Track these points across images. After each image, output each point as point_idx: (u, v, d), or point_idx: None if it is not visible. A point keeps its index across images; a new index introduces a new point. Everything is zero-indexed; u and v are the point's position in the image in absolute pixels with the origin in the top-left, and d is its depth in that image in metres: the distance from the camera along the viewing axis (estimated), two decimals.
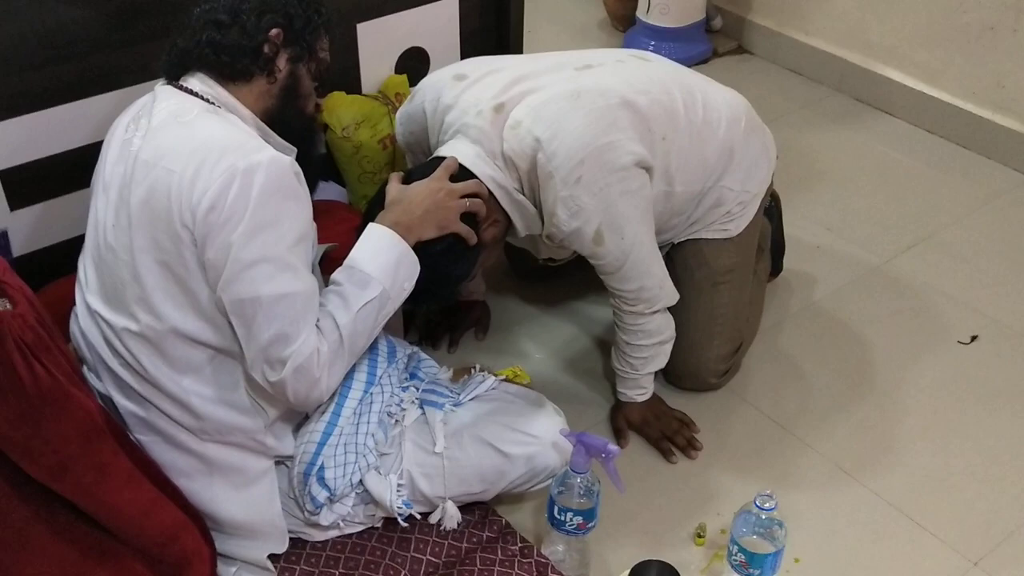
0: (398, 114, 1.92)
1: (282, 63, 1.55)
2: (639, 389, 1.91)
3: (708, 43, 3.26)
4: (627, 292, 1.75)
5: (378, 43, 2.17)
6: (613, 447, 1.49)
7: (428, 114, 1.79)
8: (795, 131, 2.87)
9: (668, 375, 2.00)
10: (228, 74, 1.53)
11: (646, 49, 3.17)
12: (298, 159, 1.56)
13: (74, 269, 1.63)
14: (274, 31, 1.53)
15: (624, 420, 1.94)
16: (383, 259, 1.51)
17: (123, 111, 1.59)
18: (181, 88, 1.53)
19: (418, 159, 1.93)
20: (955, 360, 2.14)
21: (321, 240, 1.73)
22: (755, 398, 2.05)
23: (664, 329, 1.83)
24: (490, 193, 1.66)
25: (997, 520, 1.79)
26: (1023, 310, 2.26)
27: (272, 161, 1.41)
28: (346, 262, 1.52)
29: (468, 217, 1.62)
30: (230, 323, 1.44)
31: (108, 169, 1.53)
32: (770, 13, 3.23)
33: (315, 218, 2.03)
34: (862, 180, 2.72)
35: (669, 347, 1.87)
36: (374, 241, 1.53)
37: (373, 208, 1.61)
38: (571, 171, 1.61)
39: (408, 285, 1.54)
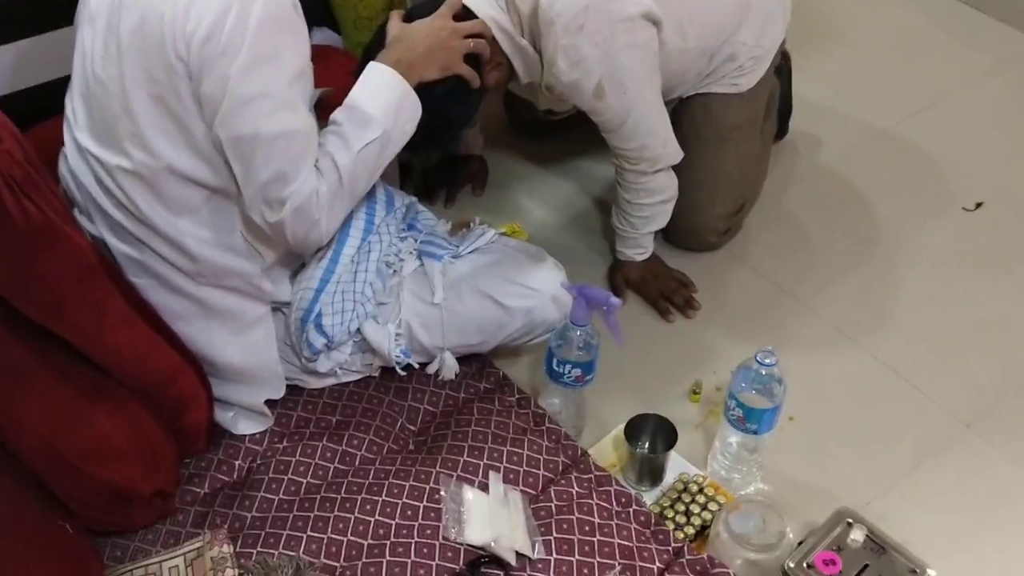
0: None
1: None
2: (639, 248, 1.88)
3: None
4: (629, 151, 1.71)
5: None
6: (615, 299, 1.47)
7: None
8: None
9: (667, 233, 1.97)
10: None
11: None
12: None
13: (60, 111, 1.56)
14: None
15: (623, 279, 1.93)
16: (384, 99, 1.46)
17: None
18: None
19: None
20: (959, 226, 2.11)
21: (317, 85, 1.67)
22: (756, 260, 2.03)
23: (667, 188, 1.79)
24: (492, 35, 1.59)
25: (990, 384, 1.80)
26: None
27: None
28: (346, 101, 1.46)
29: (471, 58, 1.55)
30: (227, 162, 1.39)
31: (93, 9, 1.44)
32: None
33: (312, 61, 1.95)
34: (875, 42, 2.64)
35: (671, 206, 1.84)
36: (375, 80, 1.47)
37: (373, 47, 1.54)
38: (573, 18, 1.54)
39: (410, 127, 1.49)
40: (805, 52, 2.46)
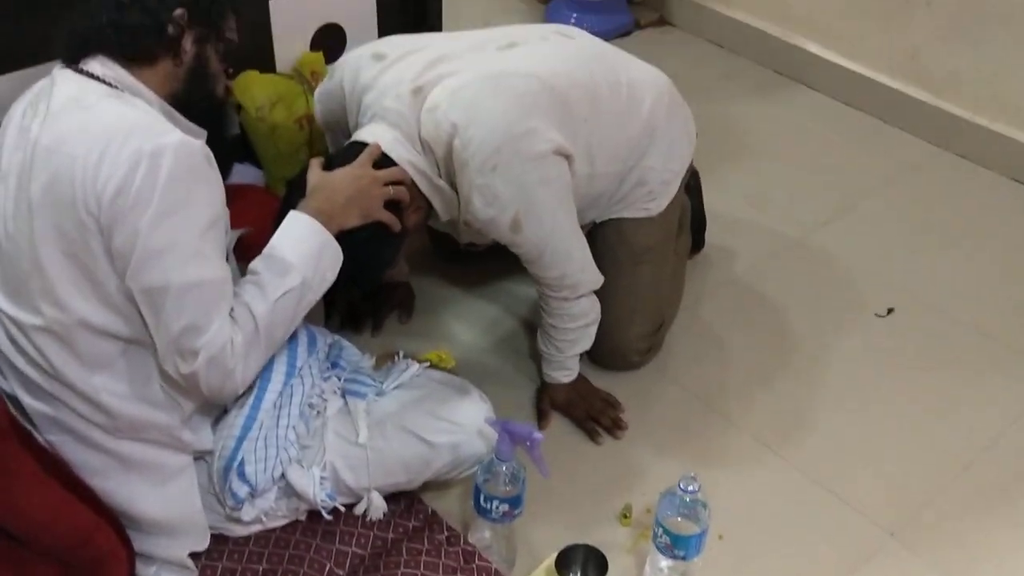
0: (316, 93, 1.87)
1: (188, 44, 1.49)
2: (564, 370, 1.91)
3: (630, 15, 3.26)
4: (550, 279, 1.74)
5: (292, 19, 2.11)
6: (537, 434, 1.49)
7: (347, 94, 1.74)
8: (716, 103, 2.88)
9: (591, 354, 1.99)
10: (131, 56, 1.46)
11: (568, 21, 3.16)
12: (209, 142, 1.50)
13: None
14: (178, 11, 1.47)
15: (549, 401, 1.94)
16: (304, 247, 1.47)
17: (19, 97, 1.52)
18: (81, 72, 1.46)
19: (338, 139, 1.89)
20: (872, 332, 2.18)
21: (235, 225, 1.68)
22: (677, 374, 2.06)
23: (589, 311, 1.83)
24: (411, 179, 1.63)
25: (911, 491, 1.84)
26: (936, 282, 2.32)
27: (181, 143, 1.36)
28: (265, 250, 1.48)
29: (392, 204, 1.59)
30: (140, 313, 1.39)
31: (5, 157, 1.45)
32: None
33: (229, 202, 1.96)
34: (782, 153, 2.75)
35: (595, 328, 1.87)
36: (295, 229, 1.49)
37: (293, 195, 1.57)
38: (487, 159, 1.59)
39: (330, 275, 1.50)
40: (714, 165, 2.55)
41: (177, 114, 1.49)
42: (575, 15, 3.17)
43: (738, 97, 2.96)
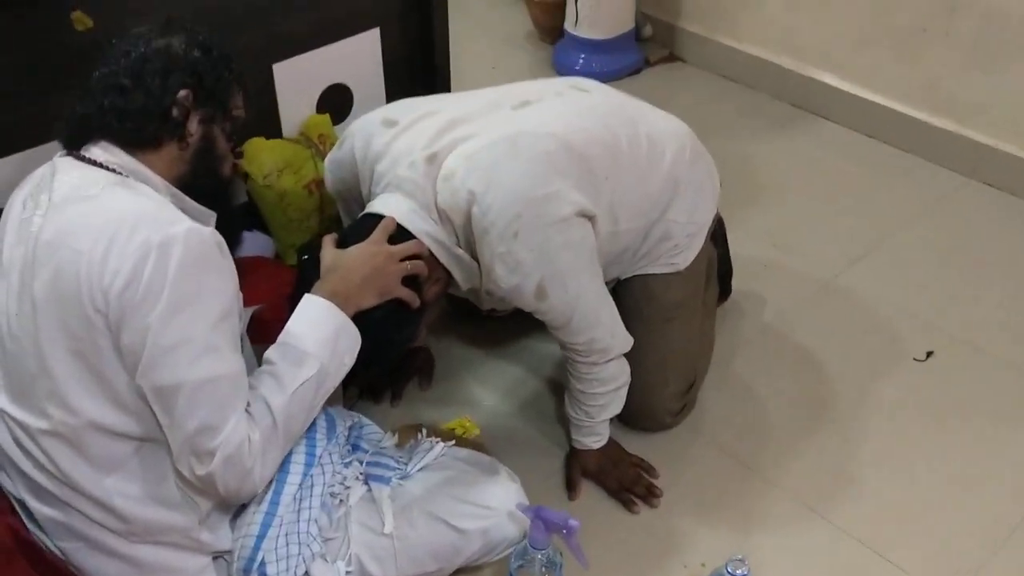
0: (327, 161, 1.80)
1: (193, 126, 1.44)
2: (595, 436, 1.82)
3: (639, 53, 3.19)
4: (578, 344, 1.67)
5: (296, 83, 2.05)
6: (574, 521, 1.41)
7: (358, 162, 1.68)
8: (732, 140, 2.81)
9: (621, 416, 1.91)
10: (135, 141, 1.41)
11: (576, 62, 3.10)
12: (218, 222, 1.45)
13: None
14: (182, 93, 1.42)
15: (580, 469, 1.86)
16: (320, 333, 1.41)
17: (18, 186, 1.46)
18: (83, 159, 1.40)
19: (350, 207, 1.82)
20: (912, 378, 2.10)
21: (248, 301, 1.62)
22: (712, 433, 1.98)
23: (620, 374, 1.75)
24: (429, 251, 1.56)
25: (964, 551, 1.75)
26: (975, 321, 2.23)
27: (190, 233, 1.30)
28: (280, 338, 1.41)
29: (409, 279, 1.52)
30: (152, 411, 1.32)
31: (6, 252, 1.39)
32: (699, 19, 3.17)
33: (241, 276, 1.91)
34: (804, 189, 2.67)
35: (625, 391, 1.79)
36: (310, 314, 1.42)
37: (308, 276, 1.50)
38: (507, 225, 1.52)
39: (348, 359, 1.44)
40: (738, 209, 2.48)
41: (184, 197, 1.44)
42: (583, 56, 3.11)
43: (755, 132, 2.89)
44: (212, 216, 1.48)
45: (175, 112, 1.41)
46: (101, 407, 1.33)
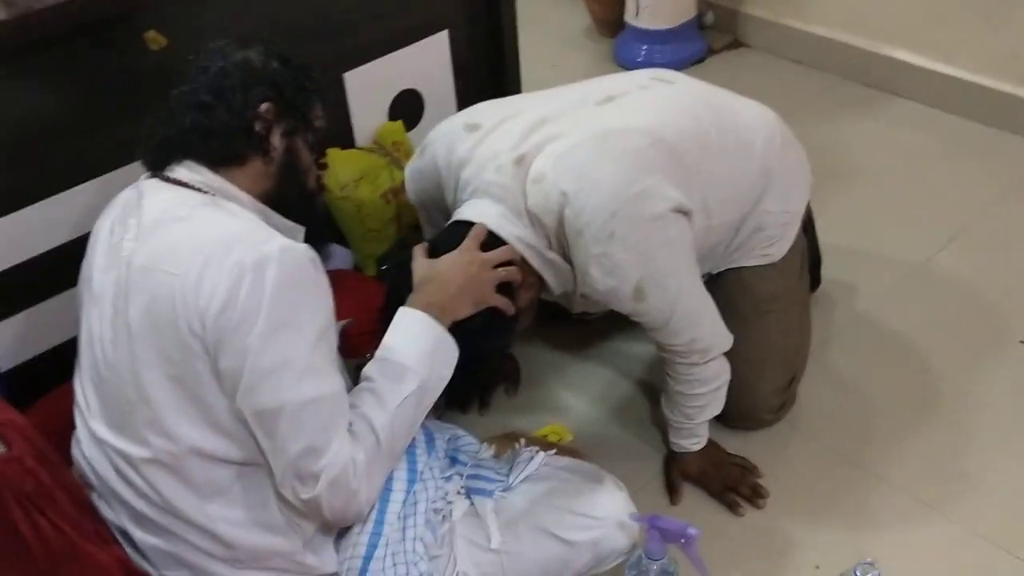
0: (407, 170, 1.77)
1: (277, 139, 1.41)
2: (694, 438, 1.76)
3: (702, 41, 3.12)
4: (678, 346, 1.61)
5: (368, 91, 2.02)
6: (693, 530, 1.35)
7: (441, 169, 1.64)
8: (806, 125, 2.69)
9: (719, 415, 1.83)
10: (219, 159, 1.38)
11: (638, 54, 3.04)
12: (307, 236, 1.41)
13: (67, 377, 1.47)
14: (264, 106, 1.39)
15: (680, 473, 1.80)
16: (418, 347, 1.37)
17: (104, 210, 1.44)
18: (168, 180, 1.38)
19: (432, 216, 1.78)
20: (1019, 361, 2.00)
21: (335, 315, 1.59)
22: (813, 430, 1.90)
23: (721, 373, 1.69)
24: (521, 256, 1.51)
25: None
26: None
27: (284, 251, 1.27)
28: (378, 353, 1.37)
29: (504, 286, 1.48)
30: (253, 434, 1.29)
31: (97, 278, 1.37)
32: (763, 2, 3.09)
33: None
34: (886, 171, 2.58)
35: (725, 390, 1.72)
36: (407, 327, 1.38)
37: (400, 288, 1.46)
38: (603, 226, 1.47)
39: (447, 372, 1.40)
40: (819, 194, 2.38)
41: (272, 213, 1.41)
42: (645, 47, 3.04)
43: (828, 115, 2.80)
44: (301, 230, 1.45)
45: (258, 127, 1.38)
46: (201, 432, 1.30)
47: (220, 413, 1.29)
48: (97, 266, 1.38)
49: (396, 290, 1.47)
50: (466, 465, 1.55)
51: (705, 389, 1.68)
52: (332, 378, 1.30)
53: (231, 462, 1.32)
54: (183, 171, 1.37)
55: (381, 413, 1.32)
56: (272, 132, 1.40)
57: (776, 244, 1.79)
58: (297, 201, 1.45)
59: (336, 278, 1.89)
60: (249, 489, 1.34)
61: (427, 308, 1.39)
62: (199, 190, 1.36)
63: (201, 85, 1.38)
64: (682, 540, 1.35)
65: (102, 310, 1.34)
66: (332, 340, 1.33)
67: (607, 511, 1.49)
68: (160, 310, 1.27)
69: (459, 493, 1.50)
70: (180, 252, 1.27)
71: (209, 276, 1.24)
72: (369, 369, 1.36)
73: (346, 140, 2.02)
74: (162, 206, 1.33)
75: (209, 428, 1.30)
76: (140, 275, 1.29)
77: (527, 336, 2.11)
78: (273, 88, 1.40)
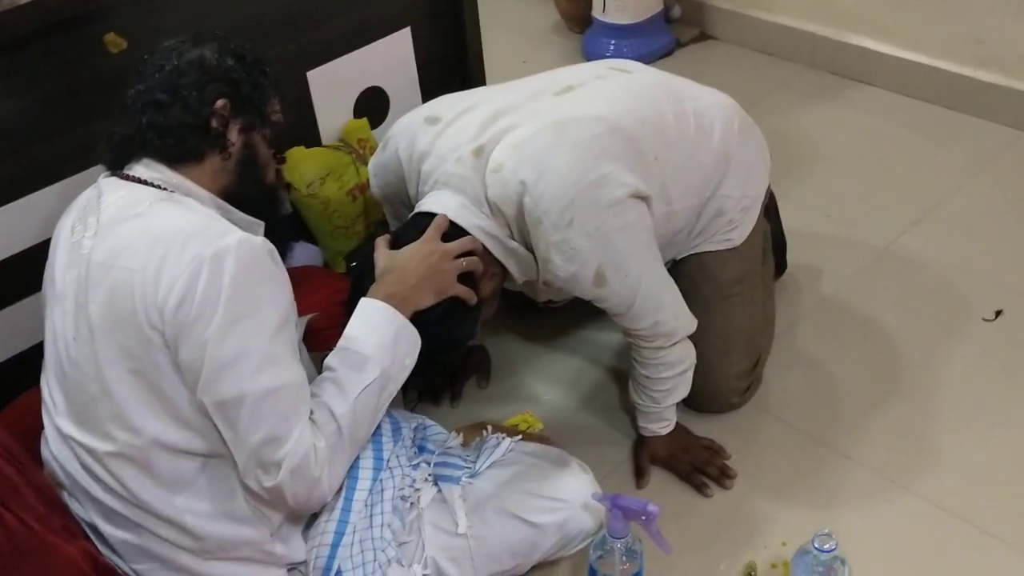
0: (370, 165, 1.79)
1: (234, 135, 1.43)
2: (662, 422, 1.78)
3: (670, 34, 3.14)
4: (642, 330, 1.63)
5: (332, 88, 2.03)
6: (653, 507, 1.37)
7: (404, 163, 1.66)
8: (773, 114, 2.75)
9: (687, 399, 1.86)
10: (177, 156, 1.40)
11: (606, 49, 3.06)
12: (267, 231, 1.43)
13: (35, 381, 1.49)
14: (220, 102, 1.40)
15: (649, 457, 1.82)
16: (380, 336, 1.39)
17: (66, 210, 1.45)
18: (127, 177, 1.39)
19: (397, 210, 1.80)
20: (983, 339, 2.03)
21: (302, 311, 1.59)
22: (780, 410, 1.93)
23: (686, 357, 1.71)
24: (483, 246, 1.53)
25: None
26: None
27: (241, 243, 1.29)
28: (339, 343, 1.39)
29: (465, 276, 1.50)
30: (216, 426, 1.31)
31: (59, 276, 1.39)
32: None
33: (292, 286, 1.88)
34: (851, 157, 2.61)
35: (691, 373, 1.75)
36: (368, 317, 1.40)
37: (362, 279, 1.48)
38: (561, 213, 1.49)
39: (409, 361, 1.42)
40: (782, 178, 2.41)
41: (231, 208, 1.43)
42: (613, 42, 3.07)
43: (795, 104, 2.83)
44: (260, 225, 1.46)
45: (214, 123, 1.40)
46: (164, 425, 1.31)
47: (182, 406, 1.31)
48: (59, 266, 1.39)
49: (359, 280, 1.49)
50: (434, 453, 1.57)
51: (671, 373, 1.71)
52: (292, 368, 1.32)
53: (195, 454, 1.34)
54: (141, 168, 1.39)
55: (342, 402, 1.34)
56: (229, 128, 1.41)
57: (737, 228, 1.81)
58: (256, 196, 1.47)
59: (304, 273, 1.93)
60: (215, 481, 1.36)
61: (388, 298, 1.41)
62: (158, 187, 1.38)
63: (157, 83, 1.40)
64: (643, 518, 1.37)
65: (64, 308, 1.36)
66: (292, 331, 1.35)
67: (573, 493, 1.51)
68: (120, 305, 1.28)
69: (426, 480, 1.52)
70: (137, 247, 1.29)
71: (167, 270, 1.26)
72: (331, 359, 1.38)
73: (311, 138, 2.04)
74: (120, 203, 1.35)
75: (172, 421, 1.31)
76: (99, 271, 1.30)
77: (496, 328, 2.14)
78: (228, 84, 1.41)
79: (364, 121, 2.08)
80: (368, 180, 1.85)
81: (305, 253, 2.06)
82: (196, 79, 1.39)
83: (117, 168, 1.41)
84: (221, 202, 1.42)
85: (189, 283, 1.25)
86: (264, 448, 1.28)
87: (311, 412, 1.33)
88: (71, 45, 1.64)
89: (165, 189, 1.38)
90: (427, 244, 1.49)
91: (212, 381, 1.27)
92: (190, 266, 1.25)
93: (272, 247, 1.35)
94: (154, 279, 1.26)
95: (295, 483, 1.30)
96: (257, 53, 1.46)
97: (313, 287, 1.80)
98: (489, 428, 1.65)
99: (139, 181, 1.38)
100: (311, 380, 1.39)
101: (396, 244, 1.51)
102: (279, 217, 1.57)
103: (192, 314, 1.25)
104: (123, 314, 1.28)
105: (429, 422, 1.67)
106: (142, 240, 1.29)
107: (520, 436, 1.63)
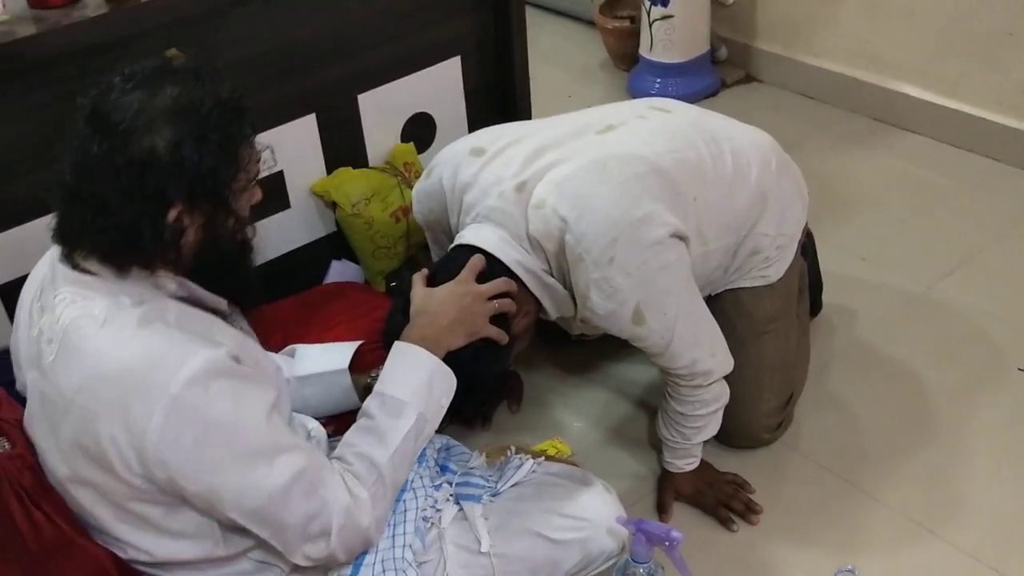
0: (414, 191, 1.82)
1: (192, 234, 1.26)
2: (689, 459, 1.79)
3: (715, 75, 3.18)
4: (680, 369, 1.64)
5: (381, 112, 2.09)
6: (676, 533, 1.38)
7: (447, 191, 1.70)
8: (815, 158, 2.77)
9: (717, 434, 1.87)
10: (128, 263, 1.24)
11: (652, 87, 3.10)
12: (235, 288, 1.36)
13: None
14: (172, 213, 1.22)
15: (673, 492, 1.82)
16: (414, 380, 1.41)
17: (28, 278, 1.39)
18: (78, 267, 1.26)
19: (437, 236, 1.84)
20: (1017, 389, 2.02)
21: (341, 331, 1.62)
22: (810, 449, 1.93)
23: (721, 395, 1.72)
24: (519, 281, 1.56)
25: None
26: None
27: (204, 367, 1.20)
28: (376, 387, 1.42)
29: (498, 316, 1.52)
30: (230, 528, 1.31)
31: (23, 364, 1.34)
32: (776, 38, 3.15)
33: (331, 301, 1.90)
34: (891, 203, 2.61)
35: (722, 412, 1.75)
36: (402, 361, 1.43)
37: (396, 317, 1.52)
38: (603, 252, 1.51)
39: (445, 401, 1.44)
40: (821, 220, 2.43)
41: (194, 287, 1.31)
42: (659, 80, 3.11)
43: (837, 148, 2.85)
44: (223, 302, 1.36)
45: (167, 235, 1.23)
46: (167, 546, 1.31)
47: (184, 526, 1.29)
48: (23, 355, 1.34)
49: (393, 316, 1.53)
50: (455, 473, 1.59)
51: (706, 411, 1.71)
52: (295, 443, 1.28)
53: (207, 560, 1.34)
54: (92, 263, 1.25)
55: (383, 451, 1.35)
56: (186, 231, 1.25)
57: (773, 266, 1.83)
58: (221, 268, 1.33)
59: (343, 289, 1.97)
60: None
61: (420, 341, 1.43)
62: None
63: (95, 169, 1.19)
64: (666, 543, 1.38)
65: (31, 410, 1.32)
66: (283, 409, 1.34)
67: (596, 513, 1.52)
68: (92, 450, 1.22)
69: (448, 500, 1.54)
70: (95, 386, 1.20)
71: (135, 415, 1.18)
72: (369, 406, 1.40)
73: (359, 159, 2.09)
74: (74, 313, 1.24)
75: (178, 540, 1.31)
76: (63, 402, 1.23)
77: (530, 357, 2.17)
78: (182, 182, 1.21)
79: (411, 145, 2.13)
80: (411, 204, 1.90)
81: (347, 271, 2.11)
82: (142, 185, 1.19)
83: (65, 251, 1.27)
84: (185, 284, 1.30)
85: (165, 425, 1.18)
86: (309, 524, 1.28)
87: (349, 465, 1.34)
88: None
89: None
90: (461, 286, 1.51)
91: (238, 500, 1.24)
92: (160, 408, 1.17)
93: (234, 351, 1.26)
94: (124, 427, 1.18)
95: (345, 541, 1.31)
96: (229, 90, 1.25)
97: (350, 301, 1.84)
98: (513, 448, 1.67)
99: (91, 273, 1.25)
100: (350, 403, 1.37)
101: (433, 279, 1.53)
102: (250, 275, 1.40)
103: (182, 454, 1.20)
104: (97, 461, 1.23)
105: (453, 443, 1.68)
106: (98, 377, 1.20)
107: (543, 458, 1.64)
